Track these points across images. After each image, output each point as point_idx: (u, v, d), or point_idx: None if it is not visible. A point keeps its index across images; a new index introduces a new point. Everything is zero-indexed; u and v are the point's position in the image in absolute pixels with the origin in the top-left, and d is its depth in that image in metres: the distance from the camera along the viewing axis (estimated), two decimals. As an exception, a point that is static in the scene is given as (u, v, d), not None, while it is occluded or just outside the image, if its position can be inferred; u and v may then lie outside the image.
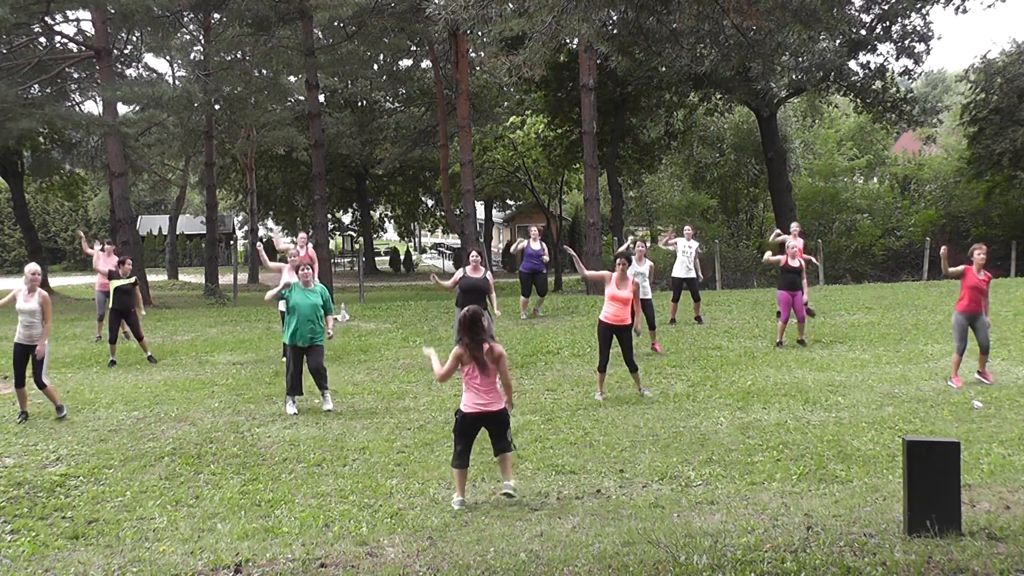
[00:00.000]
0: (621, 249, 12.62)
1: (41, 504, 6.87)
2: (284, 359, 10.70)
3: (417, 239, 72.54)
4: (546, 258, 16.28)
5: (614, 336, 10.06)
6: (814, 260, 16.33)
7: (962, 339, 10.15)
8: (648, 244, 50.32)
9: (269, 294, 10.47)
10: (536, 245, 15.91)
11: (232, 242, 51.00)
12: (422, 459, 7.84)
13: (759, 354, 12.45)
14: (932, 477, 5.58)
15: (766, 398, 9.77)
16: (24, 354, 9.53)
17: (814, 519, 6.05)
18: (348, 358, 13.00)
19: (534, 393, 10.42)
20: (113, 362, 12.98)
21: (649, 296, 12.79)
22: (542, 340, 13.84)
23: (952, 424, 8.51)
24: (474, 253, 12.36)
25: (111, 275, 13.29)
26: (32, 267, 9.64)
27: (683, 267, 15.07)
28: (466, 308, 6.73)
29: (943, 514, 5.56)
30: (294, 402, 9.85)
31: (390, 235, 71.05)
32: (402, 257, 52.82)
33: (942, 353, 12.14)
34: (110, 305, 13.28)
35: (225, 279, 32.18)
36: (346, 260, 54.47)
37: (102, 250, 15.49)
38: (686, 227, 15.89)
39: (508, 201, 52.38)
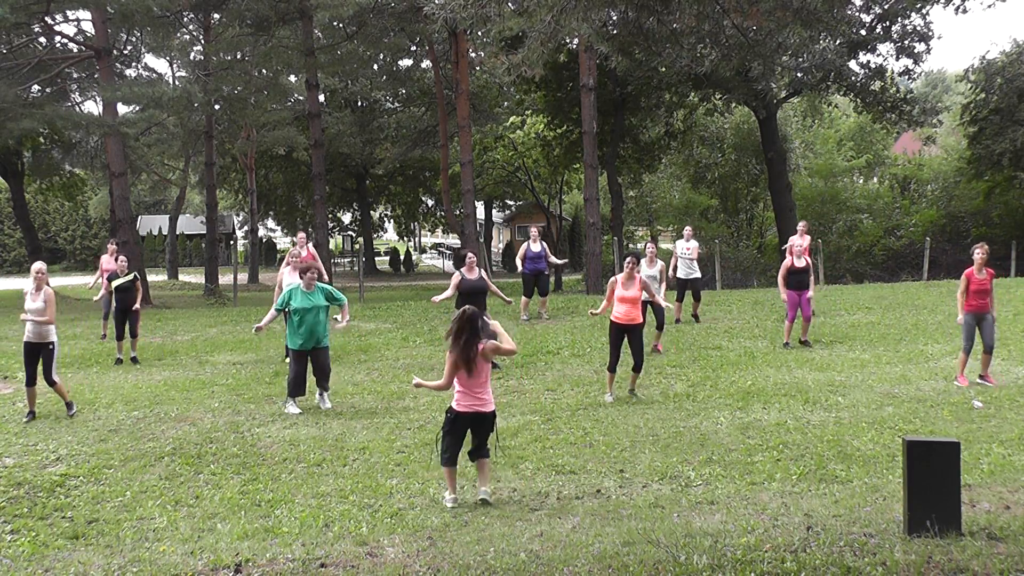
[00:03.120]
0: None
1: (41, 504, 6.87)
2: (287, 360, 10.70)
3: (417, 239, 72.53)
4: (552, 259, 16.28)
5: (625, 336, 10.03)
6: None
7: (968, 338, 10.21)
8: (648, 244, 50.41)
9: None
10: (536, 246, 15.90)
11: (232, 242, 50.98)
12: (422, 459, 7.84)
13: (759, 354, 12.44)
14: (932, 477, 5.57)
15: (766, 398, 9.77)
16: (33, 352, 9.59)
17: (814, 519, 6.05)
18: (348, 358, 13.00)
19: (534, 393, 10.42)
20: (119, 360, 13.04)
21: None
22: (542, 340, 13.84)
23: (952, 424, 8.51)
24: (470, 255, 12.35)
25: (111, 276, 13.38)
26: (37, 265, 9.72)
27: (683, 269, 15.19)
28: (464, 308, 6.69)
29: (943, 514, 5.56)
30: (295, 402, 9.86)
31: (390, 235, 71.04)
32: (402, 257, 52.82)
33: (942, 353, 12.14)
34: (114, 305, 13.35)
35: (225, 279, 32.18)
36: (346, 260, 54.47)
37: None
38: (686, 228, 16.02)
39: (508, 201, 52.41)
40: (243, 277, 35.83)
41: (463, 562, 5.42)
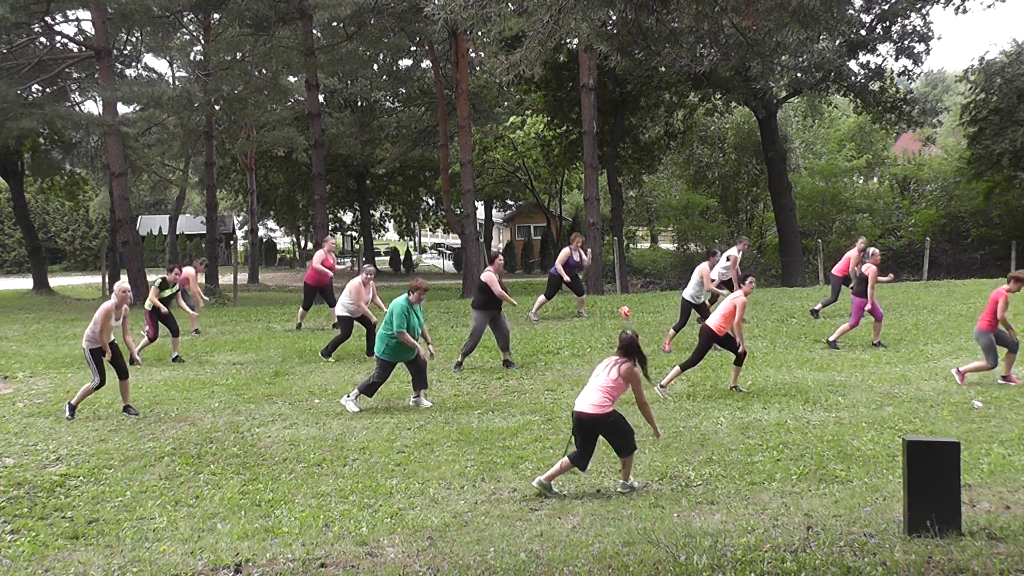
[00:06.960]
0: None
1: (41, 504, 6.87)
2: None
3: (417, 239, 72.50)
4: (587, 260, 16.19)
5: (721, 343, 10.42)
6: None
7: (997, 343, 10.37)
8: (650, 245, 50.35)
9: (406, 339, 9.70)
10: (577, 256, 15.73)
11: (232, 242, 50.96)
12: (422, 459, 7.84)
13: (759, 354, 12.45)
14: (932, 477, 5.57)
15: (766, 398, 9.77)
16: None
17: (814, 519, 6.05)
18: (348, 358, 13.00)
19: (534, 393, 10.42)
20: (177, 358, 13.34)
21: (702, 300, 13.16)
22: (542, 340, 13.83)
23: (952, 424, 8.51)
24: (500, 257, 12.56)
25: (163, 285, 13.96)
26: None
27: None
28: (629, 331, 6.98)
29: (943, 514, 5.56)
30: (359, 401, 9.84)
31: (391, 235, 71.00)
32: (402, 257, 52.81)
33: (942, 353, 12.14)
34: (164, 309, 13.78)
35: (225, 279, 32.18)
36: (346, 260, 54.45)
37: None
38: (742, 237, 15.67)
39: (508, 201, 52.41)
40: (243, 277, 35.81)
41: (463, 562, 5.42)
